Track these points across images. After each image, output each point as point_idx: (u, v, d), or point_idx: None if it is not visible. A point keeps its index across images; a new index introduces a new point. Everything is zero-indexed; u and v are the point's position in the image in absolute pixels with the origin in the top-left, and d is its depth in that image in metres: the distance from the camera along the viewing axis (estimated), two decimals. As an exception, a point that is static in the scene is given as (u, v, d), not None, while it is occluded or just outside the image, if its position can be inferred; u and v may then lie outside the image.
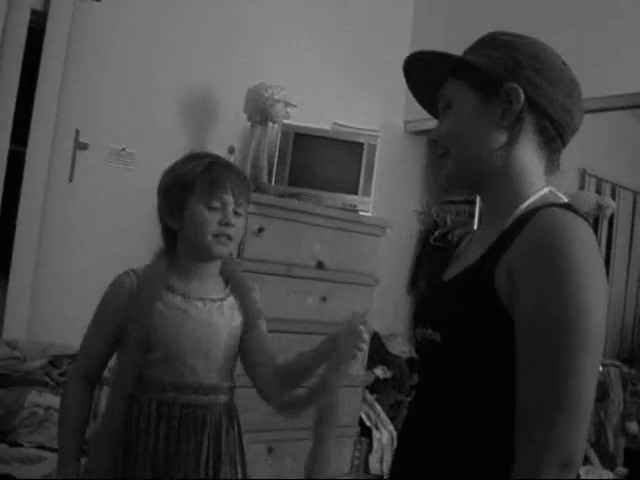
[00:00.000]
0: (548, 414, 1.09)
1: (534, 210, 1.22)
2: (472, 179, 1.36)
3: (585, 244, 1.15)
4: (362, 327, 1.72)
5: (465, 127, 1.33)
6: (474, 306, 1.22)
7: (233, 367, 1.93)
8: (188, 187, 1.83)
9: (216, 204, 1.82)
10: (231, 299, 1.92)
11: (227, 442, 1.86)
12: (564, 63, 1.33)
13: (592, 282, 1.12)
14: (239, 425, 1.94)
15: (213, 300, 1.87)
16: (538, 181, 1.32)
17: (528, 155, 1.31)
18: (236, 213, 1.86)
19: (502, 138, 1.30)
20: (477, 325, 1.21)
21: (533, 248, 1.16)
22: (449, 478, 1.24)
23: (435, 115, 1.47)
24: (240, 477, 1.90)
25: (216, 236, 1.82)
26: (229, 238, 1.84)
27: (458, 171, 1.36)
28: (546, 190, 1.31)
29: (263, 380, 1.93)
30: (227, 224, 1.82)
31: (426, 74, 1.39)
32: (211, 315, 1.85)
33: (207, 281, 1.90)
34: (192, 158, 1.90)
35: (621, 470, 4.84)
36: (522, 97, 1.27)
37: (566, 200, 1.29)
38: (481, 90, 1.31)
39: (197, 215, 1.82)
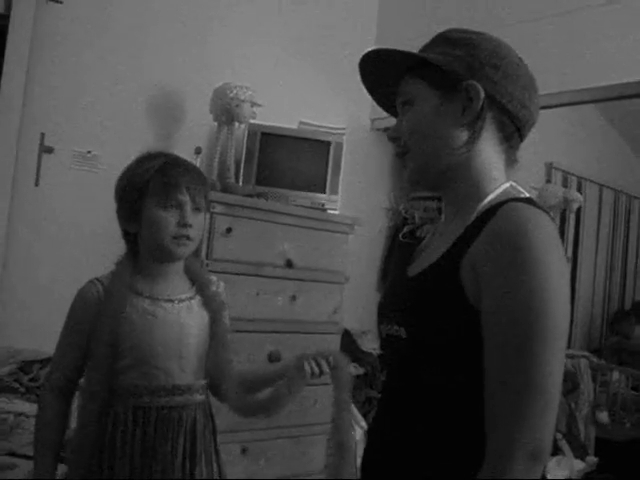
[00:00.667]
0: (516, 407, 1.10)
1: (497, 205, 1.23)
2: (435, 177, 1.36)
3: (547, 238, 1.16)
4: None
5: (426, 126, 1.33)
6: (440, 301, 1.23)
7: None
8: (143, 189, 1.81)
9: (172, 205, 1.80)
10: (198, 297, 1.92)
11: (203, 440, 1.85)
12: (520, 59, 1.34)
13: (554, 275, 1.14)
14: (214, 423, 1.94)
15: (181, 300, 1.86)
16: (499, 176, 1.34)
17: (489, 151, 1.33)
18: (196, 209, 1.84)
19: (463, 135, 1.31)
20: (443, 320, 1.22)
21: (497, 243, 1.17)
22: (418, 473, 1.25)
23: (390, 111, 1.49)
24: (216, 475, 1.89)
25: (175, 238, 1.80)
26: (188, 238, 1.82)
27: (420, 170, 1.37)
28: (507, 185, 1.32)
29: (221, 377, 1.91)
30: (185, 225, 1.80)
31: (383, 72, 1.40)
32: (180, 315, 1.84)
33: (173, 281, 1.89)
34: (146, 159, 1.87)
35: (592, 459, 4.89)
36: (482, 94, 1.28)
37: (527, 194, 1.31)
38: (441, 88, 1.32)
39: (154, 218, 1.80)
